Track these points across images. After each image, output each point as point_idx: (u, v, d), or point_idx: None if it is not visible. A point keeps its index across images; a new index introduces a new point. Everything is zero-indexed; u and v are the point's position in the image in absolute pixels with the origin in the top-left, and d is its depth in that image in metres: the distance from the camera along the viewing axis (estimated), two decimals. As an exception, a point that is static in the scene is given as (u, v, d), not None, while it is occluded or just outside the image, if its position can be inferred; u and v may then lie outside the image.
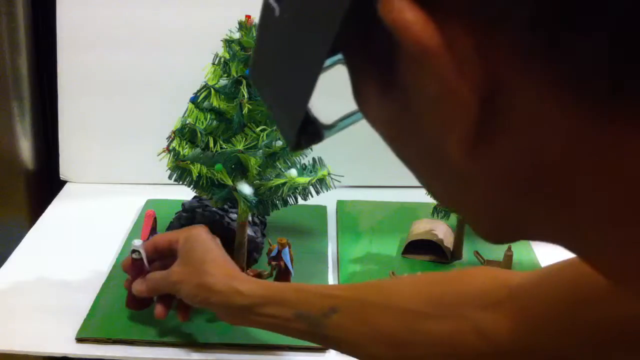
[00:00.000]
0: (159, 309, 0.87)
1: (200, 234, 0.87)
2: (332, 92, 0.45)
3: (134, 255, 0.89)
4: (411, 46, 0.25)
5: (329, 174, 0.97)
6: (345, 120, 0.35)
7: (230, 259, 0.85)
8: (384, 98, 0.30)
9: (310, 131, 0.33)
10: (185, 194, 1.04)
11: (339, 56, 0.31)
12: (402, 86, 0.28)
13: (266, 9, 0.31)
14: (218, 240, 0.88)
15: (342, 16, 0.26)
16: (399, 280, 0.73)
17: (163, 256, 0.89)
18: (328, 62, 0.30)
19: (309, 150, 0.97)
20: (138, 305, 0.92)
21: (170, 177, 0.95)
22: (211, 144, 0.91)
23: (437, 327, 0.64)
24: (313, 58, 0.29)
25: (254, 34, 0.92)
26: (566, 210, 0.27)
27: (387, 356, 0.67)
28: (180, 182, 0.94)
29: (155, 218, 1.02)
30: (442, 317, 0.64)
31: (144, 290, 0.87)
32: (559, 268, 0.57)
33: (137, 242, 0.89)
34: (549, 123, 0.25)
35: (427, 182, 0.33)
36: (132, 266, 0.90)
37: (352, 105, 0.33)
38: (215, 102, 0.91)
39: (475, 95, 0.25)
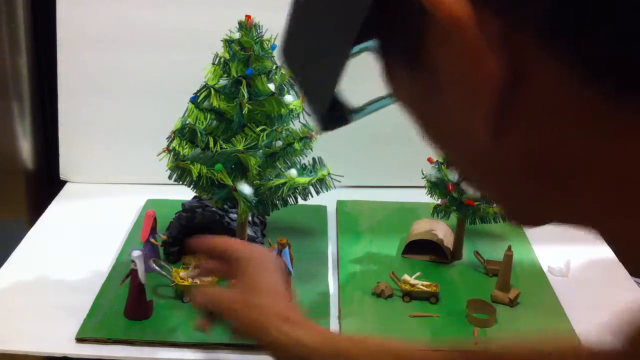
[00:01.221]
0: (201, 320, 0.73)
1: (265, 257, 0.74)
2: (360, 78, 0.46)
3: (131, 265, 0.90)
4: (444, 18, 0.26)
5: (329, 174, 0.97)
6: (372, 105, 0.36)
7: (285, 290, 0.73)
8: (413, 79, 0.31)
9: (338, 114, 0.34)
10: (185, 194, 1.04)
11: (367, 44, 0.32)
12: (431, 66, 0.29)
13: None
14: (282, 265, 0.83)
15: None
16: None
17: (224, 260, 0.75)
18: (356, 49, 0.31)
19: (309, 150, 0.97)
20: (136, 315, 0.92)
21: (170, 177, 0.95)
22: (211, 144, 0.91)
23: None
24: (342, 41, 0.30)
25: (254, 34, 0.92)
26: (578, 196, 0.28)
27: None
28: (180, 182, 0.94)
29: (155, 218, 1.02)
30: None
31: (200, 303, 0.72)
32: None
33: (135, 253, 0.90)
34: (563, 109, 0.26)
35: (453, 160, 0.35)
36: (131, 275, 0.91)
37: (377, 91, 0.34)
38: (215, 102, 0.91)
39: (501, 71, 0.26)
